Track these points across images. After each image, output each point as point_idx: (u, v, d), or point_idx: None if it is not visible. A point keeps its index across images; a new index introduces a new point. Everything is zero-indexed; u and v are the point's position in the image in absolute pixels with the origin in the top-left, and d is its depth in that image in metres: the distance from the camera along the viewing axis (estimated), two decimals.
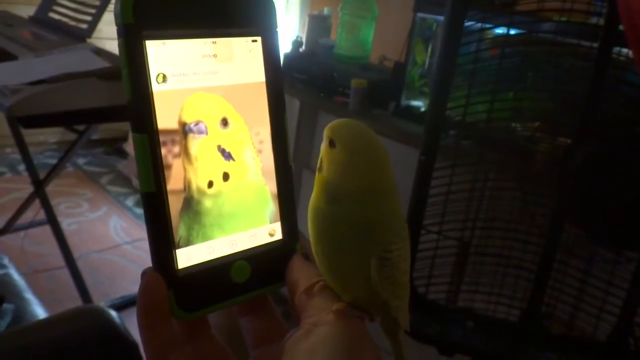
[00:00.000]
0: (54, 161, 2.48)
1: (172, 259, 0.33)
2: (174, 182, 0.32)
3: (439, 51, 1.01)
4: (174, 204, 0.32)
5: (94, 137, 2.97)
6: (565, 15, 0.97)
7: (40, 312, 1.23)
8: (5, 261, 1.42)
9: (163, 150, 0.32)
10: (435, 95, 1.02)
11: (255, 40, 0.36)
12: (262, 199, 0.37)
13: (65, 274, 1.98)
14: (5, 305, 1.16)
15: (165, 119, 0.32)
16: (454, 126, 1.05)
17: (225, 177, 0.34)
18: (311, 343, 0.32)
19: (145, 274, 0.32)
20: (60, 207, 2.70)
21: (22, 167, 2.99)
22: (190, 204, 0.33)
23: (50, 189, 2.05)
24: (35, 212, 2.21)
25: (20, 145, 2.05)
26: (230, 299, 0.35)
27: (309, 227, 0.38)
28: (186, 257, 0.33)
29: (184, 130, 0.33)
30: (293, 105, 1.95)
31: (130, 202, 2.93)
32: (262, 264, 0.36)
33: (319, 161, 0.38)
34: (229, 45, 0.35)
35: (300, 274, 0.36)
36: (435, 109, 1.02)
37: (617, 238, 0.93)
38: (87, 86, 1.48)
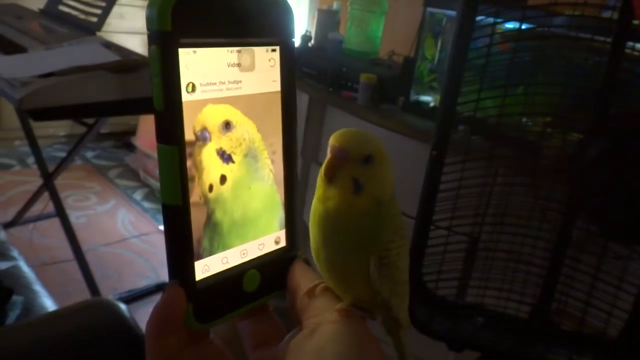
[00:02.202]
0: (62, 154, 2.49)
1: (192, 272, 0.33)
2: (195, 194, 0.32)
3: (451, 46, 1.01)
4: (195, 216, 0.32)
5: (103, 130, 2.98)
6: (578, 9, 0.96)
7: (49, 304, 1.23)
8: (15, 253, 1.42)
9: (189, 162, 0.32)
10: (446, 90, 1.02)
11: (275, 50, 0.36)
12: (273, 207, 0.37)
13: (74, 267, 1.99)
14: (15, 297, 1.17)
15: (191, 130, 0.32)
16: (465, 121, 1.04)
17: (222, 179, 0.34)
18: (317, 342, 0.32)
19: (169, 287, 0.32)
20: (69, 200, 2.71)
21: (31, 160, 3.01)
22: (207, 213, 0.33)
23: (58, 182, 2.05)
24: (44, 204, 2.22)
25: (30, 138, 2.06)
26: (240, 308, 0.35)
27: (310, 230, 0.38)
28: (203, 269, 0.33)
29: (196, 137, 0.33)
30: (301, 100, 1.94)
31: (138, 195, 2.94)
32: (270, 272, 0.37)
33: (345, 181, 0.37)
34: (251, 54, 0.35)
35: (302, 278, 0.37)
36: (446, 103, 1.02)
37: (630, 233, 0.92)
38: (97, 79, 1.48)
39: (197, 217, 0.33)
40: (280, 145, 0.37)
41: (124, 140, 3.49)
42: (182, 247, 0.32)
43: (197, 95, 0.32)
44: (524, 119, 1.04)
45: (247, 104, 0.35)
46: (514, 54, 0.98)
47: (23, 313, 1.15)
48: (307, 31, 2.10)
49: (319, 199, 0.38)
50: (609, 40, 0.92)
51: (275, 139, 0.37)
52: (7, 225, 2.30)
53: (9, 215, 2.41)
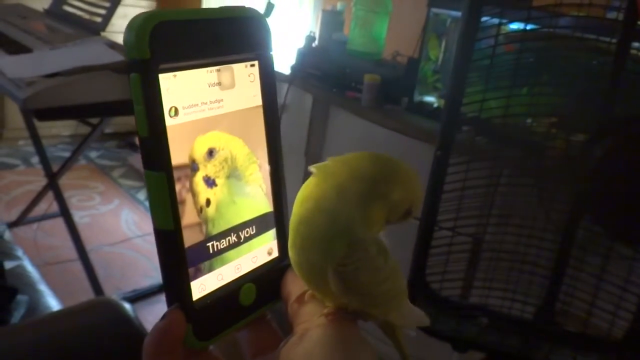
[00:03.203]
0: (67, 154, 2.50)
1: (189, 293, 0.33)
2: (187, 217, 0.33)
3: (456, 46, 1.01)
4: (189, 237, 0.33)
5: (107, 130, 2.98)
6: (583, 10, 0.96)
7: (53, 304, 1.23)
8: (19, 253, 1.43)
9: (177, 186, 0.32)
10: (451, 91, 1.02)
11: (254, 65, 0.36)
12: (264, 219, 0.37)
13: (78, 267, 2.00)
14: (20, 297, 1.17)
15: (177, 154, 0.32)
16: (470, 122, 1.04)
17: (207, 202, 0.35)
18: (306, 347, 0.32)
19: (169, 312, 0.32)
20: (73, 200, 2.71)
21: (35, 160, 3.01)
22: (203, 233, 0.34)
23: (62, 182, 2.06)
24: (48, 204, 2.23)
25: (34, 138, 2.06)
26: (239, 322, 0.35)
27: (289, 236, 0.37)
28: (200, 289, 0.34)
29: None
30: (305, 101, 1.94)
31: (141, 195, 2.94)
32: (265, 283, 0.37)
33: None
34: (231, 72, 0.35)
35: (293, 285, 0.37)
36: (450, 104, 1.02)
37: (635, 234, 0.92)
38: (102, 79, 1.48)
39: (190, 238, 0.33)
40: (266, 158, 0.37)
41: (128, 140, 3.49)
42: (177, 270, 0.32)
43: (181, 119, 0.32)
44: (528, 120, 1.04)
45: (230, 122, 0.35)
46: (519, 54, 0.98)
47: (28, 312, 1.16)
48: (311, 32, 2.11)
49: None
50: (614, 41, 0.92)
51: (261, 152, 0.37)
52: (12, 225, 2.31)
53: (13, 214, 2.42)
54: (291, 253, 0.36)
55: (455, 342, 1.04)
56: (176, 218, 0.32)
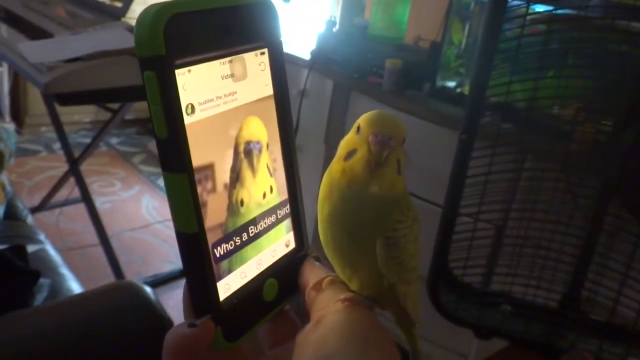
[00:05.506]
0: (88, 140, 2.51)
1: (216, 294, 0.32)
2: (210, 220, 0.32)
3: (482, 29, 0.98)
4: (211, 239, 0.32)
5: (127, 117, 3.00)
6: None
7: (75, 287, 1.24)
8: (42, 237, 1.44)
9: (199, 188, 0.31)
10: (477, 75, 0.99)
11: (263, 53, 0.35)
12: (280, 211, 0.37)
13: (99, 252, 2.01)
14: (42, 280, 1.18)
15: (196, 153, 0.31)
16: (495, 107, 1.02)
17: (271, 189, 0.35)
18: (321, 332, 0.32)
19: (202, 323, 0.31)
20: (94, 186, 2.73)
21: (57, 146, 3.04)
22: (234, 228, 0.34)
23: (83, 167, 2.07)
24: (69, 190, 2.25)
25: (56, 124, 2.08)
26: (263, 318, 0.35)
27: (318, 211, 0.37)
28: (225, 289, 0.33)
29: (248, 148, 0.33)
30: (326, 86, 1.93)
31: (161, 182, 2.95)
32: (286, 276, 0.37)
33: (392, 164, 0.36)
34: (242, 62, 0.34)
35: (311, 274, 0.37)
36: (476, 88, 1.00)
37: None
38: (122, 64, 1.49)
39: (213, 239, 0.32)
40: (279, 147, 0.36)
41: (148, 126, 3.51)
42: (202, 272, 0.31)
43: (197, 116, 0.31)
44: (555, 104, 1.02)
45: (245, 114, 0.34)
46: (546, 36, 0.96)
47: (50, 295, 1.17)
48: (331, 16, 2.08)
49: (343, 177, 0.37)
50: None
51: (275, 144, 0.36)
52: (34, 210, 2.33)
53: (36, 200, 2.44)
54: (333, 228, 0.36)
55: (478, 329, 1.03)
56: (200, 220, 0.31)
